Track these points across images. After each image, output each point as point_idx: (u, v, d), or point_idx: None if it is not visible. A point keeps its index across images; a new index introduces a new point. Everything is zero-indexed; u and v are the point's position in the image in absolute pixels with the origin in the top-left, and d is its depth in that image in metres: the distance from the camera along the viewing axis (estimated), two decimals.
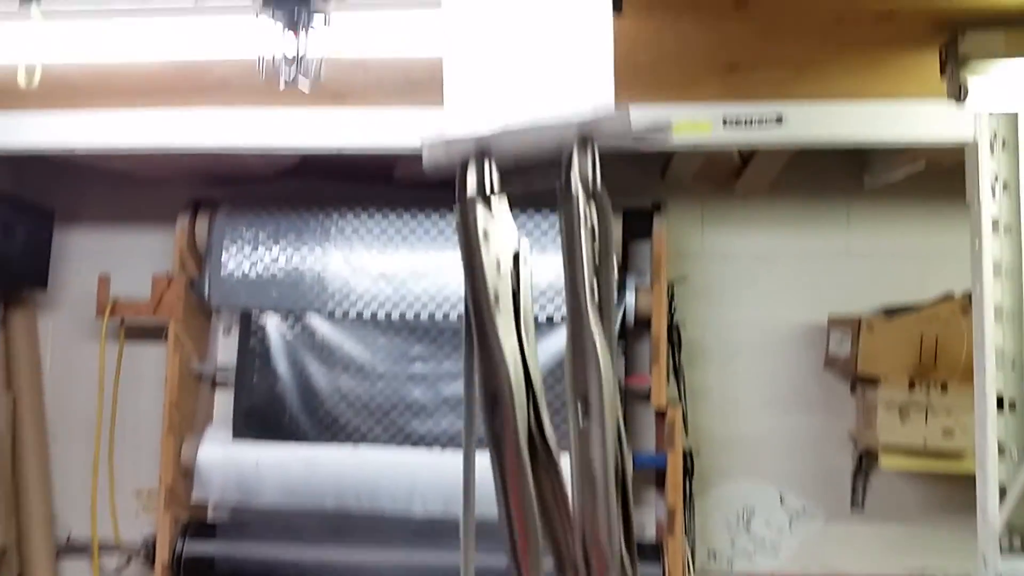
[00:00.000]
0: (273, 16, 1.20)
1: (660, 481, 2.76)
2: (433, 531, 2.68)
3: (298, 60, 1.22)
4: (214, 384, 3.05)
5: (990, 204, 1.91)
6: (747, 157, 2.75)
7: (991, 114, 1.85)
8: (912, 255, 2.90)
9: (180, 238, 2.91)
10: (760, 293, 2.96)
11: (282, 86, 1.29)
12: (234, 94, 2.06)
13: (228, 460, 2.80)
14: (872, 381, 2.68)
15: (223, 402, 3.02)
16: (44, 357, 3.19)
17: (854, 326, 2.68)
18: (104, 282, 2.98)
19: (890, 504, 2.87)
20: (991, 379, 1.89)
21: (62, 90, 2.05)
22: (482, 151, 0.76)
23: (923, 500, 2.85)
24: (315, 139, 2.20)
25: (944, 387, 2.59)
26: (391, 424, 2.76)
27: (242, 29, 1.47)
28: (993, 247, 1.89)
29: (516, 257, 0.79)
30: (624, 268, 2.87)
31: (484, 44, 0.80)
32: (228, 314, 2.99)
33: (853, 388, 2.89)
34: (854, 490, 2.90)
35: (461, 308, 2.85)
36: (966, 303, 2.63)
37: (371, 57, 1.69)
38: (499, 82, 0.78)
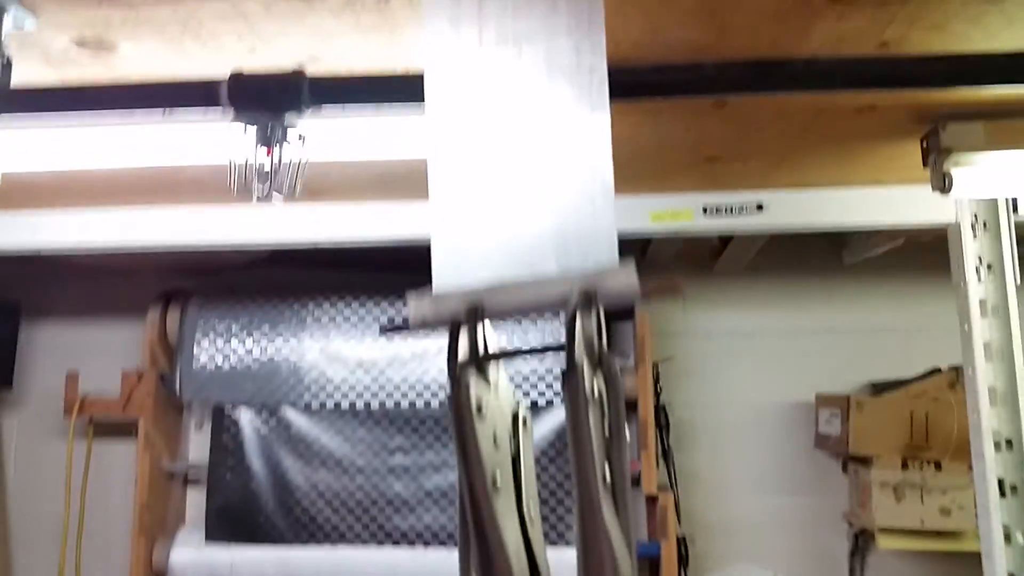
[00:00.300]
0: (245, 132, 1.16)
1: (654, 570, 2.67)
2: None
3: (271, 176, 1.17)
4: (186, 482, 2.93)
5: (976, 286, 1.91)
6: (726, 238, 2.74)
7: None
8: (895, 329, 2.88)
9: (150, 331, 2.83)
10: (745, 371, 2.92)
11: (254, 201, 1.24)
12: (206, 193, 2.02)
13: (201, 564, 2.66)
14: (864, 460, 2.64)
15: (195, 501, 2.89)
16: (8, 457, 3.06)
17: (843, 404, 2.64)
18: (72, 379, 2.88)
19: None
20: (991, 464, 1.85)
21: (27, 192, 2.00)
22: (474, 309, 0.69)
23: None
24: (289, 234, 2.15)
25: (938, 465, 2.55)
26: (371, 521, 2.65)
27: (214, 136, 1.43)
28: (982, 329, 1.88)
29: (515, 417, 0.73)
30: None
31: (473, 182, 0.75)
32: (200, 409, 2.89)
33: (845, 467, 2.84)
34: (851, 571, 2.83)
35: (443, 395, 2.80)
36: (953, 378, 2.61)
37: (347, 160, 1.66)
38: (490, 223, 0.72)
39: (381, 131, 1.47)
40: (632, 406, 2.70)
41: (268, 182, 1.17)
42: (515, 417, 0.72)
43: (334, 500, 2.67)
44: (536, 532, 0.70)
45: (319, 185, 1.95)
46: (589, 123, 0.76)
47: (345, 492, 2.66)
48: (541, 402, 2.62)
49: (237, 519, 2.68)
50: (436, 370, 2.71)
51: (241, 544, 2.65)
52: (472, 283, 0.71)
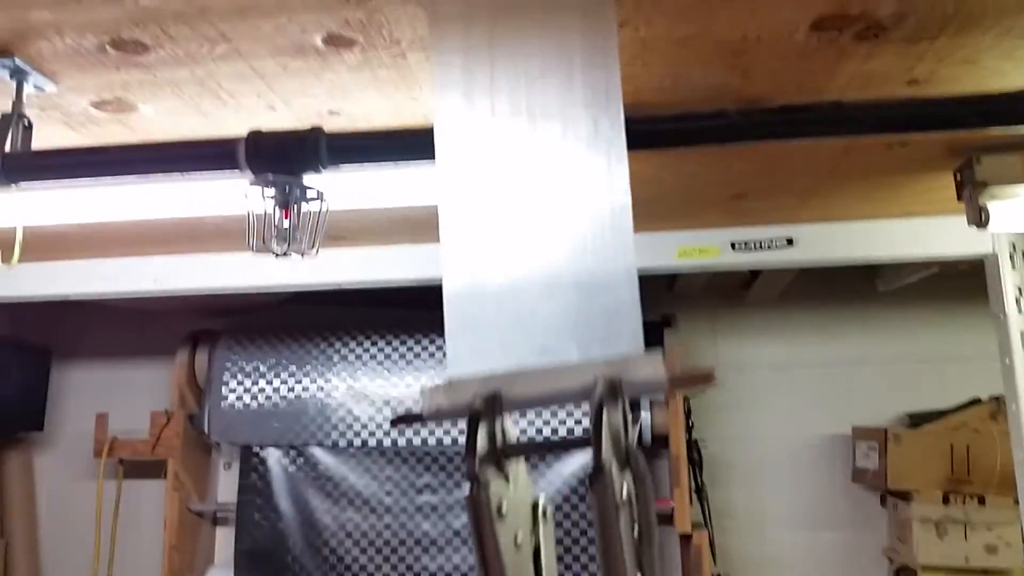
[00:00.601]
0: (263, 195, 1.15)
1: None
2: None
3: (289, 237, 1.16)
4: (215, 522, 2.93)
5: (1016, 317, 1.85)
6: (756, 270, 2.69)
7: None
8: (932, 358, 2.80)
9: (179, 373, 2.84)
10: (779, 404, 2.85)
11: (274, 259, 1.23)
12: (231, 239, 2.02)
13: None
14: (904, 495, 2.55)
15: (224, 541, 2.88)
16: (39, 498, 3.07)
17: (880, 438, 2.56)
18: (102, 420, 2.89)
19: None
20: None
21: (56, 242, 2.01)
22: (492, 399, 0.67)
23: None
24: (313, 276, 2.14)
25: (982, 500, 2.46)
26: (399, 561, 2.62)
27: (234, 190, 1.43)
28: None
29: (535, 507, 0.69)
30: None
31: (487, 257, 0.72)
32: (228, 448, 2.89)
33: (883, 501, 2.75)
34: None
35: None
36: (995, 408, 2.53)
37: (369, 207, 1.65)
38: (507, 301, 0.69)
39: (401, 180, 1.46)
40: (664, 441, 2.64)
41: (287, 241, 1.16)
42: (535, 506, 0.70)
43: (362, 540, 2.64)
44: None
45: (341, 231, 1.95)
46: (609, 199, 0.73)
47: (373, 532, 2.64)
48: (546, 431, 2.57)
49: (266, 559, 2.67)
50: None
51: None
52: (488, 367, 0.68)
